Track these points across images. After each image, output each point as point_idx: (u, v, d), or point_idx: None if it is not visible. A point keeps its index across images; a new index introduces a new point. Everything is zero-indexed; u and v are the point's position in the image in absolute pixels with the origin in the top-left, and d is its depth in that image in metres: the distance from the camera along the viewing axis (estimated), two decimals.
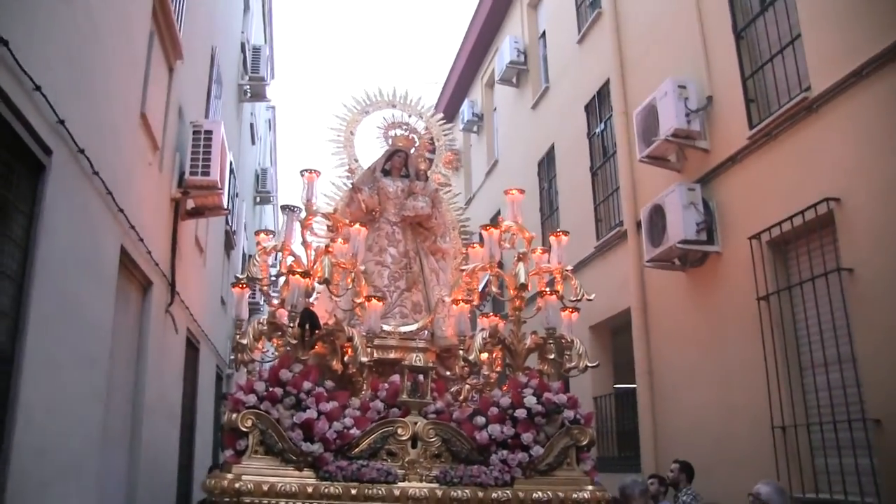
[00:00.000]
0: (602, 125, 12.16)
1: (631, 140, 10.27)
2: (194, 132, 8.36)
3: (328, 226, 6.95)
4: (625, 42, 11.28)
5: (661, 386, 9.63)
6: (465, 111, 19.27)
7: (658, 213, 8.92)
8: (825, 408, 6.79)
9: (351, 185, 7.18)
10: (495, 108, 18.80)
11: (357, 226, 6.20)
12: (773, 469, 7.05)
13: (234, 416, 5.04)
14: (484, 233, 6.43)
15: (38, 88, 4.11)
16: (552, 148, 14.18)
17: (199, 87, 10.16)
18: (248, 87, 15.94)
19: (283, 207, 6.32)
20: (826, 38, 6.99)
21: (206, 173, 8.31)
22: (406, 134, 7.54)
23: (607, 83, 11.73)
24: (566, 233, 6.63)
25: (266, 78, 16.34)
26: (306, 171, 6.26)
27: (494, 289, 6.43)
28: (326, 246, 6.12)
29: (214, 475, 5.05)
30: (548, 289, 6.27)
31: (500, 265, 6.68)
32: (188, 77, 9.11)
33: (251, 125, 18.78)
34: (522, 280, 6.16)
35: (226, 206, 9.38)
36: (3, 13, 3.80)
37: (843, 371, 6.57)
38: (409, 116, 7.62)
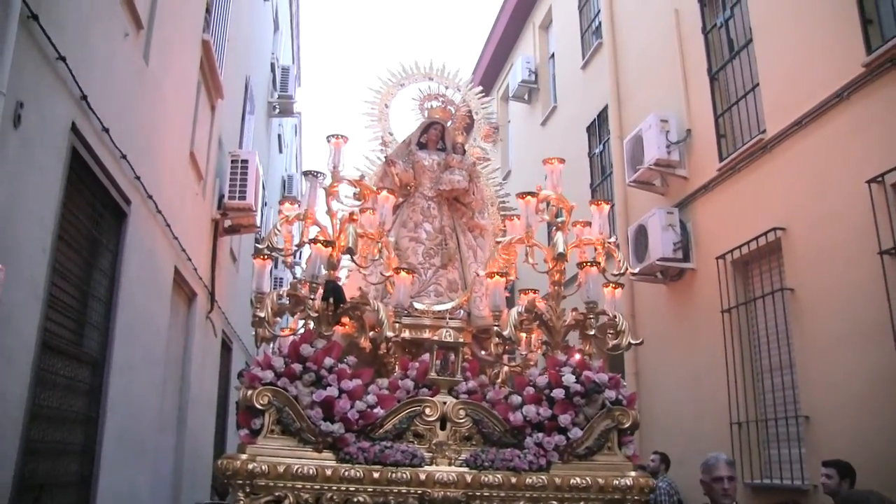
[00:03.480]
0: (601, 146, 13.26)
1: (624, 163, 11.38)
2: (232, 161, 9.64)
3: (355, 194, 6.23)
4: (621, 72, 12.34)
5: (645, 385, 10.73)
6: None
7: (642, 233, 10.04)
8: (773, 406, 7.92)
9: (384, 159, 6.78)
10: (509, 121, 19.84)
11: (385, 192, 5.70)
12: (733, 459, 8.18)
13: (250, 392, 4.64)
14: (520, 202, 5.85)
15: (124, 157, 5.43)
16: None
17: (235, 118, 11.47)
18: (276, 103, 17.19)
19: (306, 173, 5.85)
20: (779, 87, 8.10)
21: (243, 197, 9.58)
22: (442, 106, 7.07)
23: (606, 108, 12.78)
24: (608, 202, 6.25)
25: (293, 95, 17.60)
26: (333, 136, 5.82)
27: (531, 260, 5.71)
28: (351, 213, 5.62)
29: (227, 455, 4.65)
30: (589, 262, 5.67)
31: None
32: (227, 110, 10.40)
33: (279, 136, 20.06)
34: (561, 250, 5.57)
35: (258, 224, 10.64)
36: (98, 99, 5.06)
37: (784, 375, 7.71)
38: (446, 89, 7.13)
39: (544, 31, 17.28)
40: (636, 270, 10.10)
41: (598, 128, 13.42)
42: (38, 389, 4.63)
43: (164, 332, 7.30)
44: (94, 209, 5.57)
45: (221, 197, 9.82)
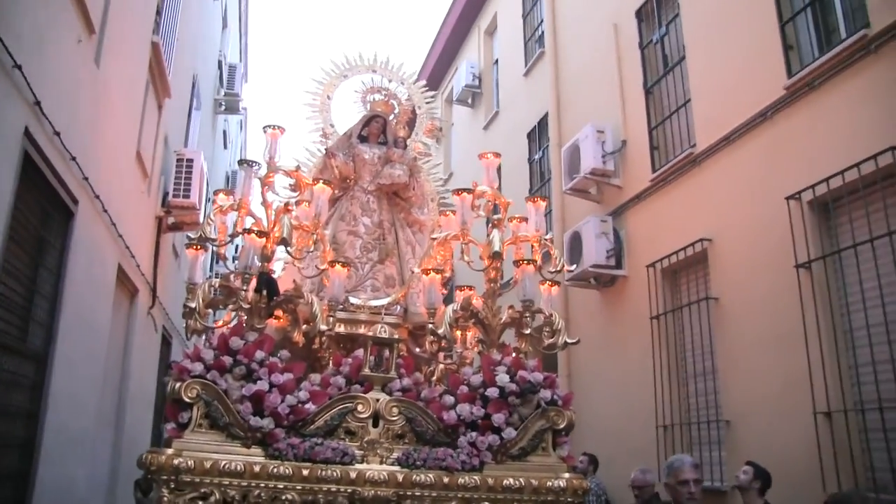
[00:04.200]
0: (540, 153, 13.59)
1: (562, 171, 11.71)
2: (177, 160, 9.73)
3: (291, 185, 6.25)
4: (562, 81, 12.66)
5: (576, 387, 11.03)
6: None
7: (577, 239, 10.37)
8: (696, 410, 8.31)
9: (325, 151, 6.69)
10: (452, 124, 20.09)
11: (320, 184, 5.62)
12: (656, 461, 8.49)
13: (178, 385, 4.53)
14: (456, 198, 5.82)
15: (73, 159, 5.55)
16: (500, 168, 15.52)
17: (182, 116, 11.55)
18: (223, 101, 17.21)
19: (241, 162, 5.71)
20: (709, 104, 8.49)
21: (187, 195, 9.68)
22: (385, 99, 7.04)
23: (546, 116, 13.08)
24: (544, 198, 6.23)
25: (239, 93, 17.63)
26: (269, 126, 5.73)
27: (466, 257, 5.63)
28: (286, 204, 5.54)
29: (152, 450, 4.52)
30: (525, 259, 5.67)
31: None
32: (173, 109, 10.47)
33: (224, 132, 20.04)
34: (497, 248, 5.55)
35: (201, 221, 10.70)
36: (51, 104, 5.18)
37: (707, 381, 8.11)
38: (390, 82, 7.09)
39: (489, 37, 17.54)
40: (570, 277, 10.49)
41: (538, 135, 13.72)
42: None
43: (105, 327, 7.40)
44: (42, 209, 5.70)
45: (166, 194, 9.90)
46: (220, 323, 5.33)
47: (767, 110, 7.45)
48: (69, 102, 5.76)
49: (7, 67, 4.50)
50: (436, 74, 20.13)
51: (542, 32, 13.73)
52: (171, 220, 10.21)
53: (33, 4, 4.93)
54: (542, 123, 13.44)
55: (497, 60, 16.91)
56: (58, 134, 5.37)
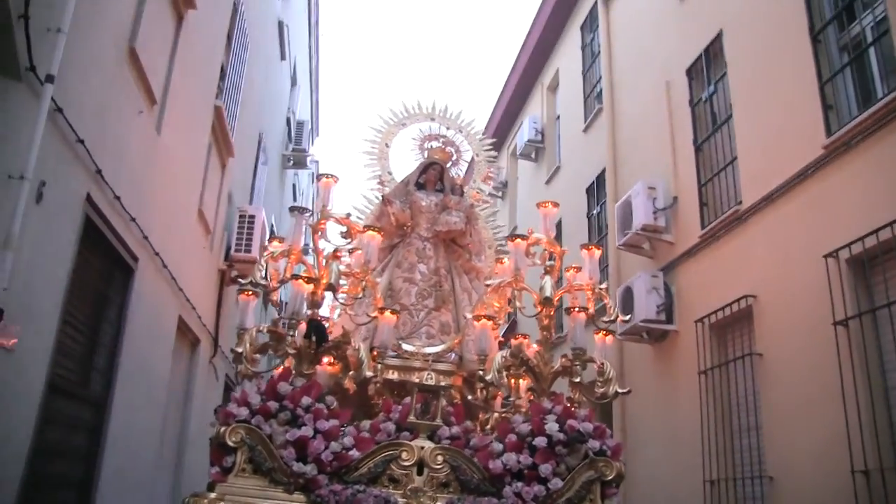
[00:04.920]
0: (598, 208, 13.76)
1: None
2: (240, 216, 10.25)
3: (342, 233, 6.11)
4: (618, 138, 12.83)
5: (630, 441, 11.06)
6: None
7: (629, 294, 10.46)
8: (742, 466, 8.28)
9: (381, 198, 6.77)
10: (518, 178, 20.38)
11: (370, 231, 5.68)
12: None
13: (223, 429, 4.63)
14: (510, 245, 5.88)
15: (133, 220, 6.02)
16: (560, 223, 15.76)
17: (247, 172, 12.14)
18: (291, 156, 17.89)
19: (292, 209, 5.88)
20: (754, 161, 8.59)
21: (248, 250, 10.18)
22: (442, 146, 7.13)
23: (603, 172, 13.26)
24: (598, 246, 6.23)
25: (307, 149, 18.31)
26: (323, 175, 5.89)
27: (519, 304, 5.68)
28: (335, 250, 5.62)
29: (195, 493, 4.58)
30: (577, 308, 5.67)
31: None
32: (237, 167, 11.05)
33: (294, 185, 20.76)
34: (548, 294, 5.54)
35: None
36: (111, 172, 5.66)
37: (752, 437, 8.09)
38: (447, 130, 7.18)
39: (552, 93, 17.80)
40: (623, 331, 10.57)
41: (596, 190, 13.87)
42: (44, 427, 5.13)
43: (165, 375, 7.85)
44: (103, 267, 6.21)
45: (229, 248, 10.43)
46: (280, 369, 5.33)
47: (807, 169, 7.51)
48: (129, 169, 6.26)
49: (71, 141, 4.98)
50: (501, 129, 20.50)
51: (601, 90, 13.98)
52: (233, 273, 10.69)
53: (98, 82, 5.47)
54: (600, 179, 13.58)
55: (559, 116, 17.16)
56: (118, 198, 5.87)
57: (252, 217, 10.26)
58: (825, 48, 7.68)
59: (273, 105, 15.14)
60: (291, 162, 18.10)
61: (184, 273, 8.18)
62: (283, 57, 15.35)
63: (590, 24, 15.19)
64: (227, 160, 10.14)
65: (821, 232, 7.26)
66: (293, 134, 17.93)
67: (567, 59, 16.50)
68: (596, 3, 14.53)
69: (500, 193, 21.05)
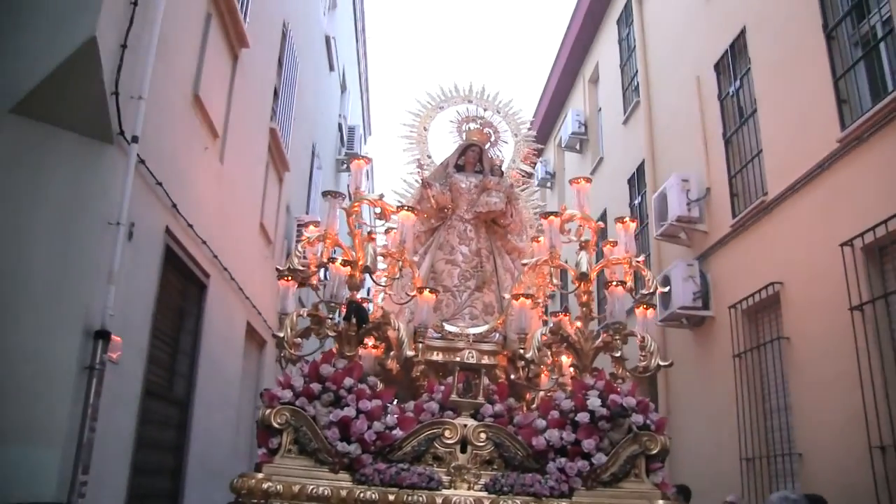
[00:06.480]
0: (639, 198, 14.22)
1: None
2: (298, 225, 11.04)
3: (377, 214, 6.18)
4: (655, 130, 13.30)
5: (674, 422, 11.54)
6: (539, 169, 21.09)
7: (666, 282, 10.96)
8: (775, 444, 8.78)
9: (421, 181, 6.77)
10: (564, 168, 20.84)
11: (404, 211, 5.71)
12: (741, 493, 8.99)
13: (268, 411, 4.73)
14: (544, 223, 5.82)
15: (204, 242, 6.85)
16: (604, 213, 16.21)
17: (302, 182, 12.96)
18: (344, 159, 18.66)
19: (324, 193, 5.88)
20: (777, 154, 9.03)
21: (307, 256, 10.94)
22: (481, 128, 7.09)
23: (643, 163, 13.73)
24: (634, 219, 6.12)
25: (359, 151, 19.05)
26: (354, 157, 5.95)
27: (556, 281, 5.74)
28: (370, 232, 5.67)
29: (243, 474, 4.66)
30: (614, 282, 5.61)
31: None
32: (293, 179, 11.86)
33: (347, 185, 21.54)
34: (584, 269, 5.52)
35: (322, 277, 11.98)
36: (184, 204, 6.47)
37: (782, 416, 8.60)
38: (485, 111, 7.15)
39: (593, 85, 18.21)
40: (662, 318, 11.06)
41: (636, 180, 14.31)
42: (142, 425, 6.01)
43: (237, 376, 8.72)
44: (181, 285, 7.07)
45: (289, 254, 11.22)
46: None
47: (825, 161, 7.93)
48: (198, 198, 7.04)
49: (151, 185, 5.82)
50: (547, 121, 20.88)
51: (638, 83, 14.41)
52: None
53: (170, 130, 6.28)
54: (640, 170, 13.99)
55: (600, 108, 17.56)
56: (190, 226, 6.70)
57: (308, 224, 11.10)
58: (839, 44, 8.06)
59: (324, 114, 15.91)
60: (345, 165, 18.86)
61: (249, 282, 8.98)
62: (331, 68, 16.09)
63: (625, 18, 15.60)
64: (283, 174, 10.92)
65: (838, 221, 7.67)
66: (345, 138, 18.71)
67: (605, 52, 16.92)
68: None
69: (548, 185, 21.52)
